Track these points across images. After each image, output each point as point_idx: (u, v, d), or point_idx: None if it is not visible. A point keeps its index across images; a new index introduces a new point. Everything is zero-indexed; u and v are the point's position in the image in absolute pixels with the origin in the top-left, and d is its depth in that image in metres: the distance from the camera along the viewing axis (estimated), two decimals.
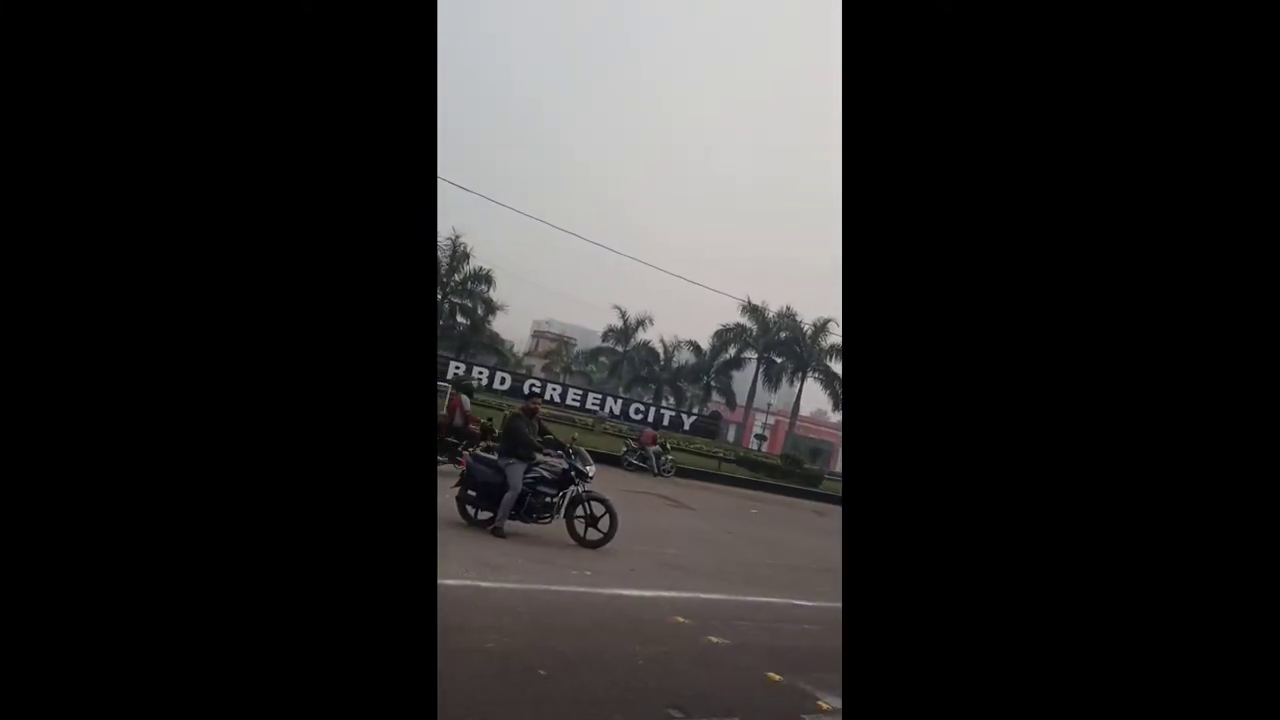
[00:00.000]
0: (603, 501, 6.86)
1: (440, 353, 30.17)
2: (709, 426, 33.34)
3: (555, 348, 45.32)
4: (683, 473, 17.09)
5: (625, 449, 16.22)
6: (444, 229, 32.16)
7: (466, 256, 32.43)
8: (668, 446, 17.02)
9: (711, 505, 13.01)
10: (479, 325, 33.37)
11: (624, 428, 25.09)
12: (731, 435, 37.64)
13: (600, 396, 31.70)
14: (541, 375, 36.91)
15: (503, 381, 28.19)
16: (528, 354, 44.37)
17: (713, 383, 38.15)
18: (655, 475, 15.66)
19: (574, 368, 40.40)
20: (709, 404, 39.97)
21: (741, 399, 38.74)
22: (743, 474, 20.51)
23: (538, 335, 54.85)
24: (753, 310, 36.51)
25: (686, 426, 31.27)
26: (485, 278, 32.58)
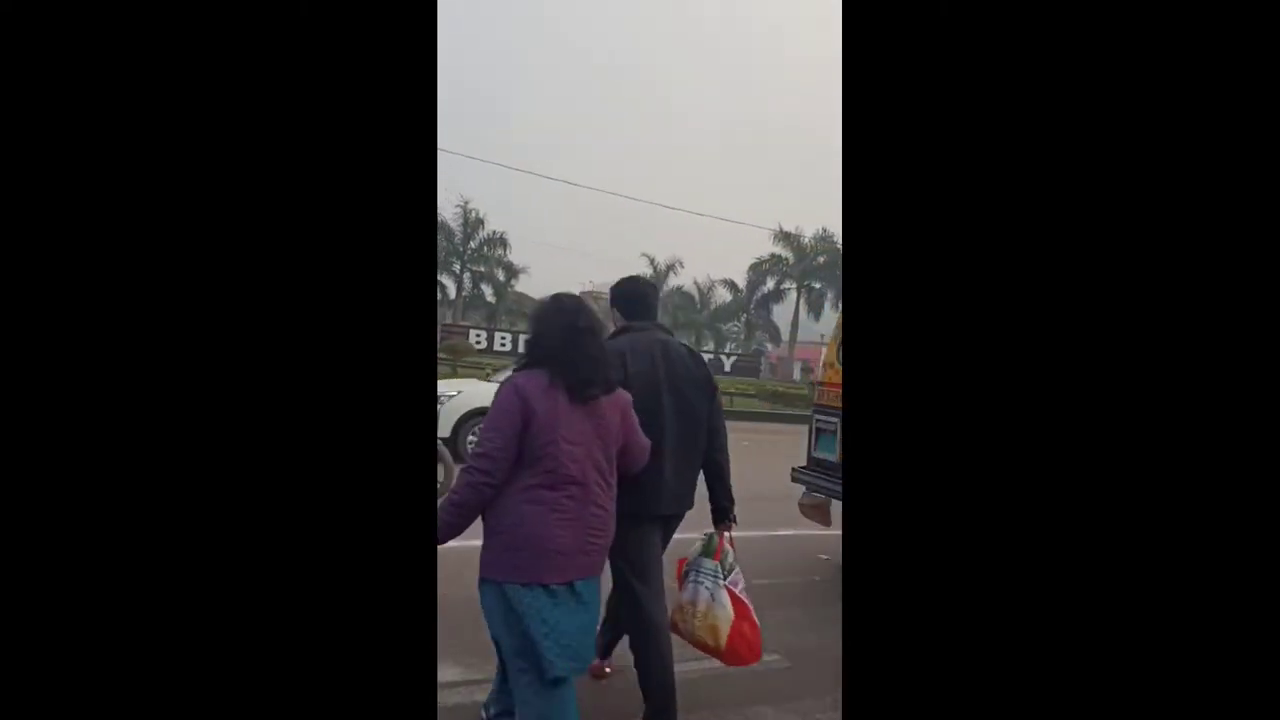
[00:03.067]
0: None
1: (468, 325, 29.67)
2: (751, 365, 31.90)
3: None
4: None
5: None
6: (447, 196, 31.28)
7: (480, 223, 31.53)
8: None
9: None
10: (501, 291, 32.56)
11: None
12: (796, 373, 35.80)
13: None
14: None
15: (503, 342, 27.33)
16: None
17: (753, 319, 36.39)
18: None
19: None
20: (752, 342, 38.32)
21: (790, 333, 36.90)
22: (763, 408, 18.94)
23: (584, 295, 53.73)
24: (786, 238, 34.46)
25: (727, 368, 29.98)
26: (501, 241, 31.65)
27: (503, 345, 27.34)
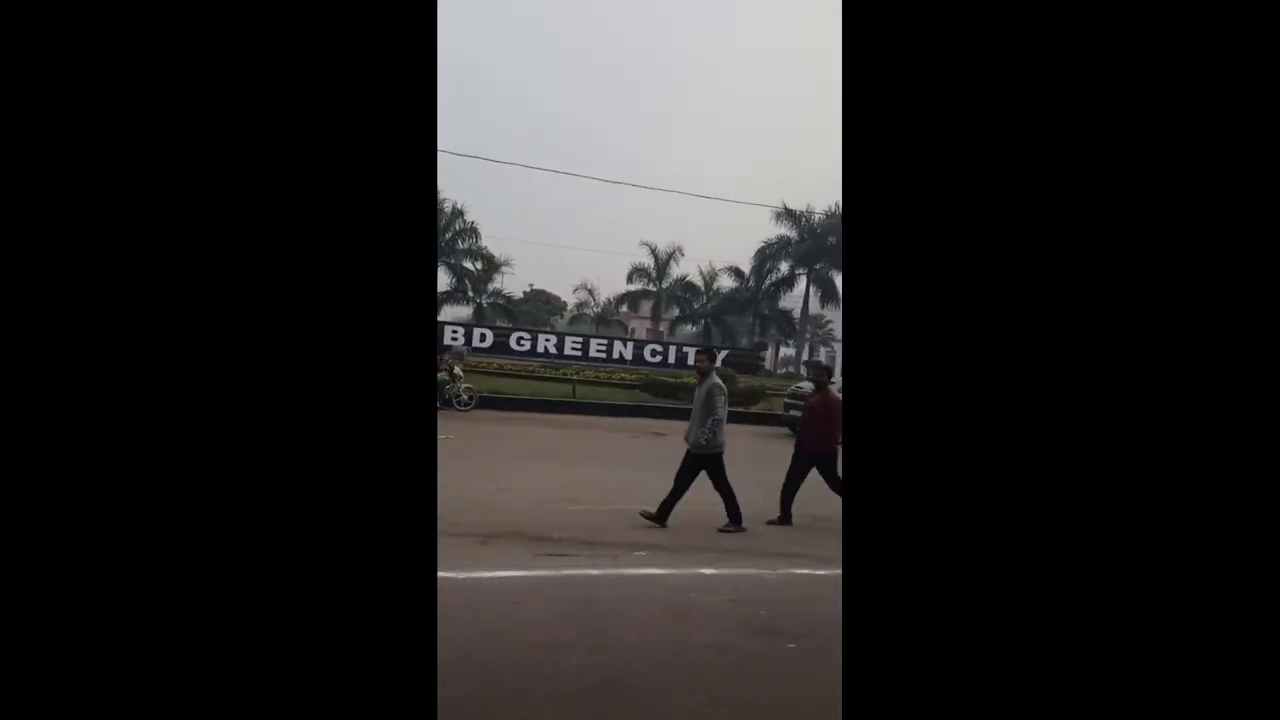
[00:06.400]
0: None
1: (443, 321, 28.35)
2: (749, 360, 28.74)
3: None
4: (497, 404, 13.70)
5: None
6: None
7: (460, 214, 30.16)
8: (457, 373, 13.42)
9: None
10: (481, 286, 31.08)
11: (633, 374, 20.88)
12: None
13: (605, 341, 28.23)
14: (530, 327, 32.21)
15: (482, 339, 25.49)
16: (575, 309, 40.86)
17: (763, 310, 33.02)
18: (439, 408, 12.31)
19: (606, 316, 36.54)
20: (768, 334, 34.93)
21: (800, 322, 33.28)
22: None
23: (579, 288, 49.59)
24: (793, 217, 31.01)
25: (719, 363, 27.05)
26: (473, 232, 30.17)
27: (482, 343, 25.60)
